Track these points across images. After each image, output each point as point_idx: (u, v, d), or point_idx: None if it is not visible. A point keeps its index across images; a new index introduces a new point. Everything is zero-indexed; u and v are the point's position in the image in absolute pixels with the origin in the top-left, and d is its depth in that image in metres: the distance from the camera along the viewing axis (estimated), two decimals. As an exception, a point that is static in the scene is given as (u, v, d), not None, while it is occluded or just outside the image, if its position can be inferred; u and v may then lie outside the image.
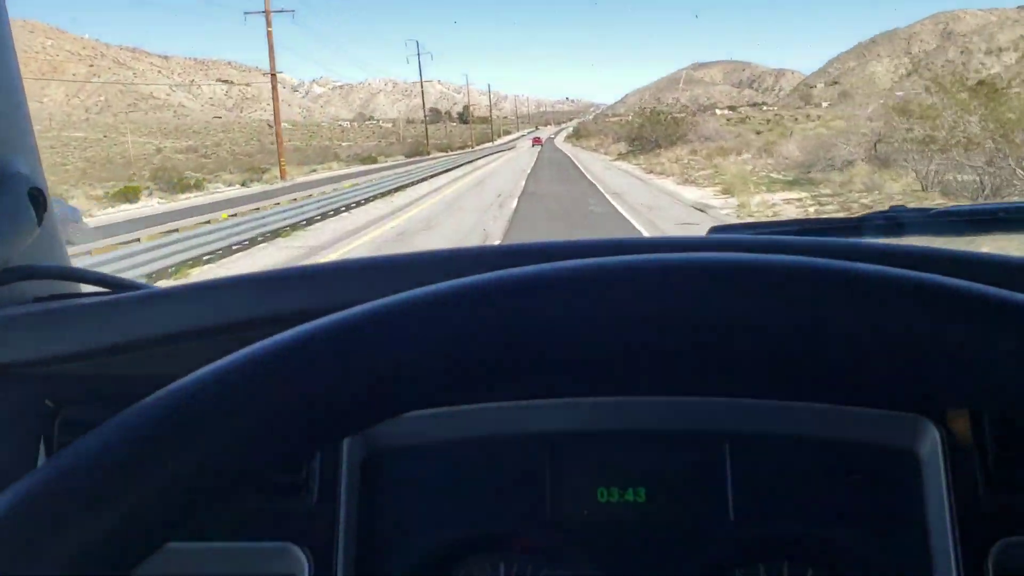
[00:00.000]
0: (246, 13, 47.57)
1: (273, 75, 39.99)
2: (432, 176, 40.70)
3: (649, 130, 44.12)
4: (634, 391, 0.73)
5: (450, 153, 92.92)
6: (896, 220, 1.14)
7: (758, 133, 49.46)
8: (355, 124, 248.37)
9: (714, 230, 1.15)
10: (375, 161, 69.30)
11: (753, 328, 0.35)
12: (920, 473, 0.72)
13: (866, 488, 0.72)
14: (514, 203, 21.29)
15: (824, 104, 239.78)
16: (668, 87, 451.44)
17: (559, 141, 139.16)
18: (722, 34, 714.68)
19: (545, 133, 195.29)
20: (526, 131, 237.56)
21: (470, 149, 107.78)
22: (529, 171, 40.12)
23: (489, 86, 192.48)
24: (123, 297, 0.81)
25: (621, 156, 48.06)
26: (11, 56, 0.89)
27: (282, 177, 41.13)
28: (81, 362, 0.78)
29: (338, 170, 57.06)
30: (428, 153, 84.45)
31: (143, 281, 0.99)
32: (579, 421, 0.75)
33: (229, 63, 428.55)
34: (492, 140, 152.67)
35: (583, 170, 37.33)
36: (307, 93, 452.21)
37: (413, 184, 35.15)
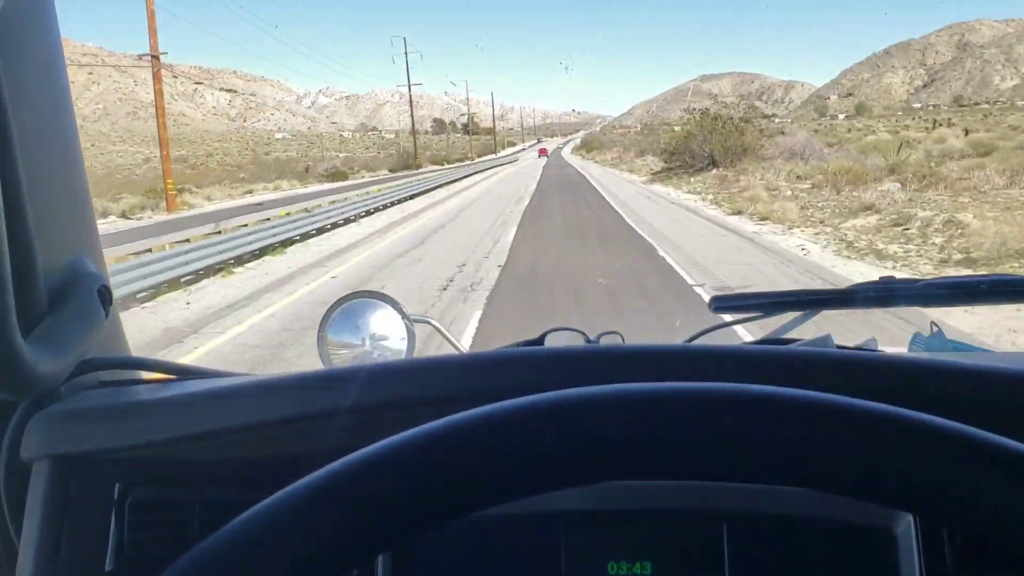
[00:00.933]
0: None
1: (155, 57, 27.26)
2: (400, 201, 28.67)
3: (700, 141, 31.38)
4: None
5: (445, 166, 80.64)
6: (886, 291, 1.16)
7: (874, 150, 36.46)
8: (356, 135, 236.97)
9: (716, 300, 1.21)
10: (345, 177, 56.65)
11: (718, 447, 0.42)
12: (896, 551, 0.75)
13: (848, 563, 0.75)
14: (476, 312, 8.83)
15: (841, 116, 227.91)
16: (675, 99, 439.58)
17: (567, 153, 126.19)
18: (730, 46, 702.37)
19: (551, 145, 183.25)
20: (531, 143, 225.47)
21: (469, 162, 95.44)
22: (528, 200, 28.63)
23: (492, 95, 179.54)
24: (184, 391, 0.87)
25: (656, 176, 35.30)
26: (80, 161, 0.94)
27: (168, 208, 28.41)
28: (144, 450, 0.84)
29: (288, 190, 44.60)
30: (418, 167, 71.78)
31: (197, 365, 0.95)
32: (591, 501, 0.80)
33: (234, 72, 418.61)
34: (495, 152, 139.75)
35: (613, 204, 24.78)
36: (313, 103, 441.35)
37: (368, 214, 24.44)
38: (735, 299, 1.22)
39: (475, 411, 0.44)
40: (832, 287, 0.91)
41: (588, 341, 1.12)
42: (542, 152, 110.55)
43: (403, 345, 1.38)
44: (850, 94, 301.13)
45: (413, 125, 76.81)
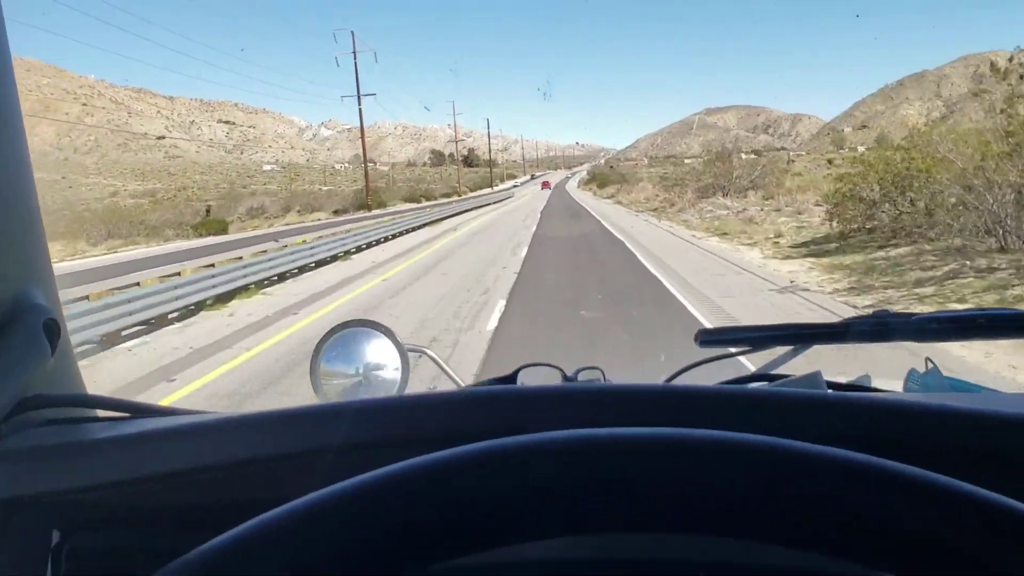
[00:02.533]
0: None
1: None
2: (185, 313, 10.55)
3: (895, 195, 13.53)
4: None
5: (423, 204, 62.57)
6: (879, 325, 1.11)
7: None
8: (350, 166, 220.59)
9: (703, 333, 1.14)
10: (225, 229, 38.26)
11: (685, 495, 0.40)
12: None
13: None
14: None
15: (860, 148, 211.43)
16: (681, 132, 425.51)
17: (573, 187, 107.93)
18: (735, 79, 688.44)
19: (555, 178, 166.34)
20: (538, 174, 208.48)
21: (457, 198, 77.28)
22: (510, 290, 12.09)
23: (488, 122, 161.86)
24: (137, 429, 0.81)
25: (850, 272, 16.40)
26: (31, 187, 0.89)
27: None
28: (90, 493, 0.77)
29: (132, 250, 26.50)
30: (380, 206, 53.44)
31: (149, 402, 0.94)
32: (571, 550, 0.78)
33: (235, 104, 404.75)
34: (491, 185, 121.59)
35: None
36: (315, 136, 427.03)
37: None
38: (722, 333, 1.16)
39: (406, 464, 0.42)
40: (825, 321, 0.77)
41: (566, 377, 1.07)
42: (545, 185, 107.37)
43: (397, 375, 1.34)
44: (864, 126, 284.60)
45: (365, 154, 58.55)
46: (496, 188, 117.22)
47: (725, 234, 20.60)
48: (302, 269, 18.27)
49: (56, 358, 0.88)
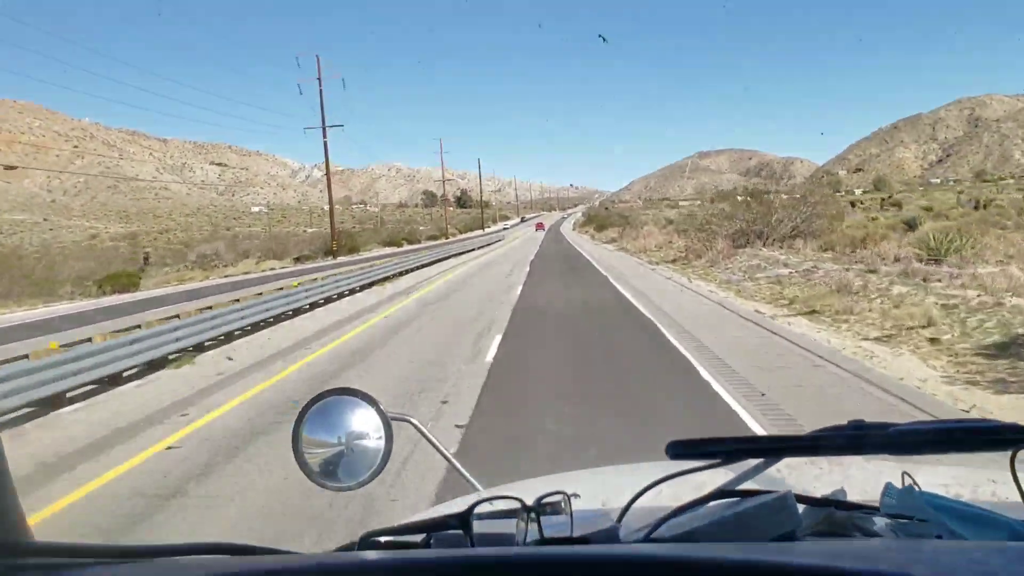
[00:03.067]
0: None
1: None
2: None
3: None
4: None
5: (403, 248, 55.85)
6: (855, 438, 1.07)
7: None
8: (339, 207, 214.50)
9: (673, 446, 1.11)
10: (135, 284, 31.26)
11: None
12: None
13: None
14: None
15: (858, 191, 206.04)
16: (674, 175, 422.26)
17: (568, 230, 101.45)
18: (727, 122, 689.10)
19: (550, 219, 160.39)
20: (529, 216, 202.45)
21: (444, 240, 70.67)
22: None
23: (479, 162, 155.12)
24: None
25: None
26: None
27: None
28: None
29: None
30: (351, 251, 46.57)
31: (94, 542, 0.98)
32: None
33: (229, 147, 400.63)
34: (483, 227, 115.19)
35: None
36: (307, 177, 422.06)
37: None
38: (694, 445, 1.14)
39: None
40: (803, 433, 0.74)
41: (525, 506, 1.02)
42: (539, 227, 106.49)
43: (380, 444, 1.30)
44: (859, 169, 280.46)
45: (330, 194, 51.92)
46: (488, 230, 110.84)
47: (813, 312, 13.53)
48: (153, 365, 11.43)
49: None
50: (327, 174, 56.32)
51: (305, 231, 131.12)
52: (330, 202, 48.72)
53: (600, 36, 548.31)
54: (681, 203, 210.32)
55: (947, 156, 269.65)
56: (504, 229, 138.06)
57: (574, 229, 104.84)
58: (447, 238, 76.55)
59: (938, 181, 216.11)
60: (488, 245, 62.95)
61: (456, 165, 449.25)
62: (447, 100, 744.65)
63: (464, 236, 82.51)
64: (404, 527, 1.01)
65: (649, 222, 60.15)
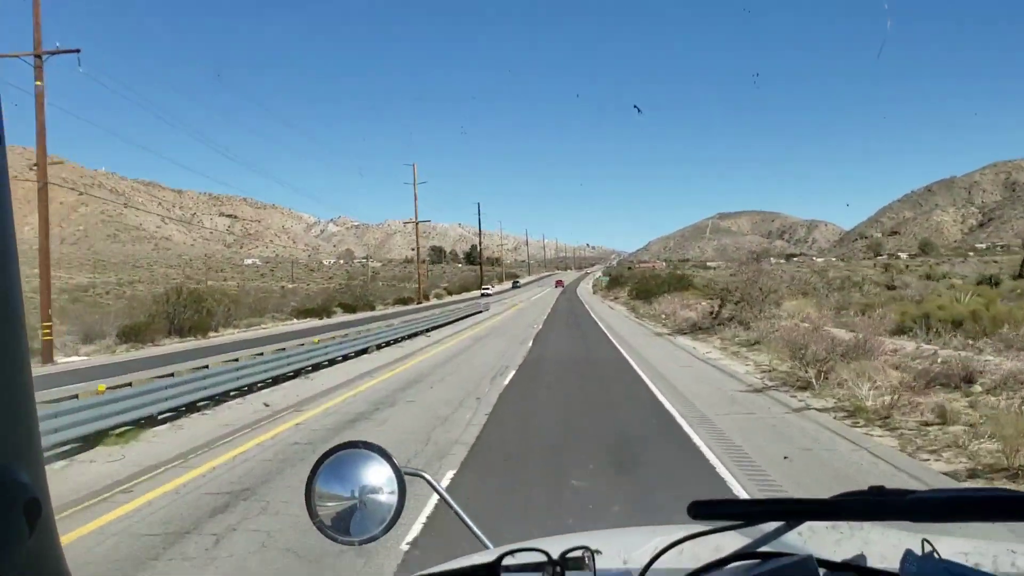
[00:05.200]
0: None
1: None
2: None
3: None
4: None
5: (328, 320, 34.46)
6: (875, 504, 1.05)
7: None
8: (339, 262, 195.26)
9: (695, 506, 1.07)
10: None
11: None
12: None
13: None
14: None
15: (903, 255, 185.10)
16: (694, 236, 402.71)
17: (587, 294, 79.52)
18: (748, 184, 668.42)
19: (566, 278, 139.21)
20: (540, 275, 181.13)
21: (414, 306, 49.33)
22: None
23: (480, 213, 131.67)
24: None
25: None
26: (24, 360, 0.81)
27: None
28: None
29: None
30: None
31: None
32: None
33: (244, 199, 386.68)
34: (481, 286, 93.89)
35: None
36: (322, 232, 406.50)
37: None
38: (715, 506, 1.11)
39: None
40: (820, 498, 0.93)
41: (550, 560, 1.00)
42: (559, 284, 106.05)
43: (393, 499, 1.28)
44: (895, 232, 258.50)
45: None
46: (489, 291, 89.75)
47: None
48: None
49: (38, 539, 0.81)
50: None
51: (285, 286, 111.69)
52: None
53: (635, 107, 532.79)
54: (710, 265, 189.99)
55: (988, 220, 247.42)
56: (526, 284, 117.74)
57: (595, 293, 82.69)
58: (419, 303, 55.66)
59: (984, 247, 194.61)
60: (469, 317, 41.74)
61: (471, 221, 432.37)
62: (468, 159, 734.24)
63: (449, 300, 61.42)
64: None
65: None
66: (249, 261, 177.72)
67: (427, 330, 31.60)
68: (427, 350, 24.73)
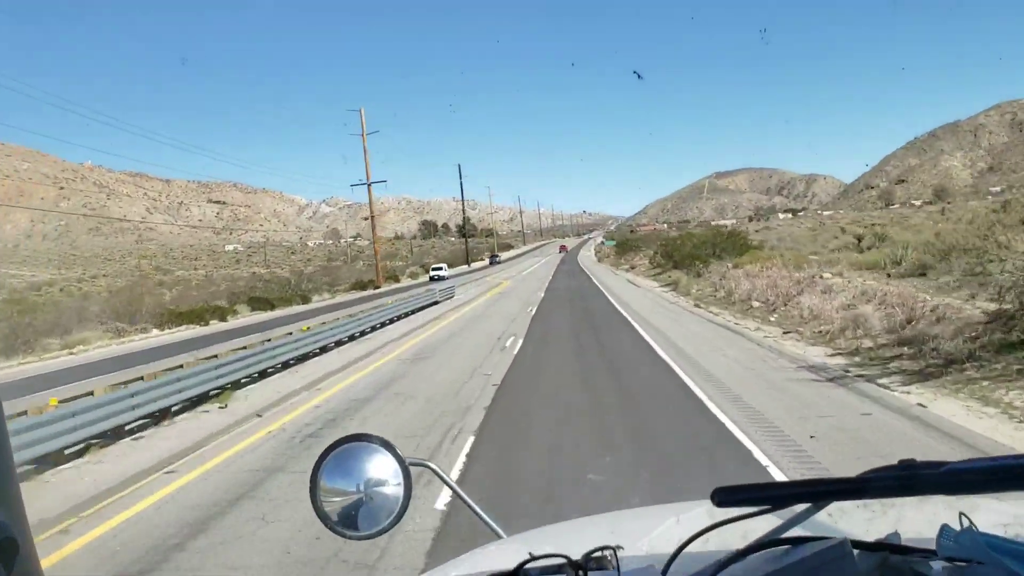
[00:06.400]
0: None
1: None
2: None
3: None
4: None
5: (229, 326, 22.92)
6: (906, 479, 1.00)
7: None
8: (326, 243, 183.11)
9: (719, 493, 1.04)
10: None
11: None
12: None
13: None
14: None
15: (917, 203, 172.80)
16: (691, 197, 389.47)
17: (588, 263, 67.67)
18: (744, 141, 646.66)
19: (564, 246, 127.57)
20: (537, 244, 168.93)
21: (371, 291, 37.70)
22: None
23: (461, 177, 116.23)
24: None
25: None
26: None
27: None
28: None
29: None
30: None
31: None
32: None
33: (234, 185, 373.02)
34: (468, 262, 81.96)
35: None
36: (315, 213, 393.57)
37: None
38: (739, 491, 1.07)
39: None
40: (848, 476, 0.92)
41: (571, 563, 0.97)
42: (562, 248, 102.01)
43: (400, 491, 1.25)
44: (902, 180, 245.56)
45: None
46: (475, 266, 77.76)
47: None
48: None
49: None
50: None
51: (257, 272, 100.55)
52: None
53: (636, 73, 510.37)
54: (724, 222, 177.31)
55: (1000, 164, 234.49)
56: (520, 255, 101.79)
57: (600, 262, 70.55)
58: (380, 286, 44.15)
59: (998, 189, 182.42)
60: (423, 310, 29.75)
61: (470, 194, 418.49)
62: (460, 129, 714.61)
63: (411, 284, 49.52)
64: None
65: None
66: (230, 247, 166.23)
67: (406, 316, 19.85)
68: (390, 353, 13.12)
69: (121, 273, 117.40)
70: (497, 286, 43.77)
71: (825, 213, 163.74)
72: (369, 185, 53.46)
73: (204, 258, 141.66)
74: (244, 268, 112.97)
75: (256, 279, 64.61)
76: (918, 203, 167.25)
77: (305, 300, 41.69)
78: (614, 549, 1.01)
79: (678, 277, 33.10)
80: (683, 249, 38.74)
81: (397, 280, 57.61)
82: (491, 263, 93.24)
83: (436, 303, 32.49)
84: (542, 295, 33.67)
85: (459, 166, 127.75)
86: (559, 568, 0.96)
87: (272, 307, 36.18)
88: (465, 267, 77.10)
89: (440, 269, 63.87)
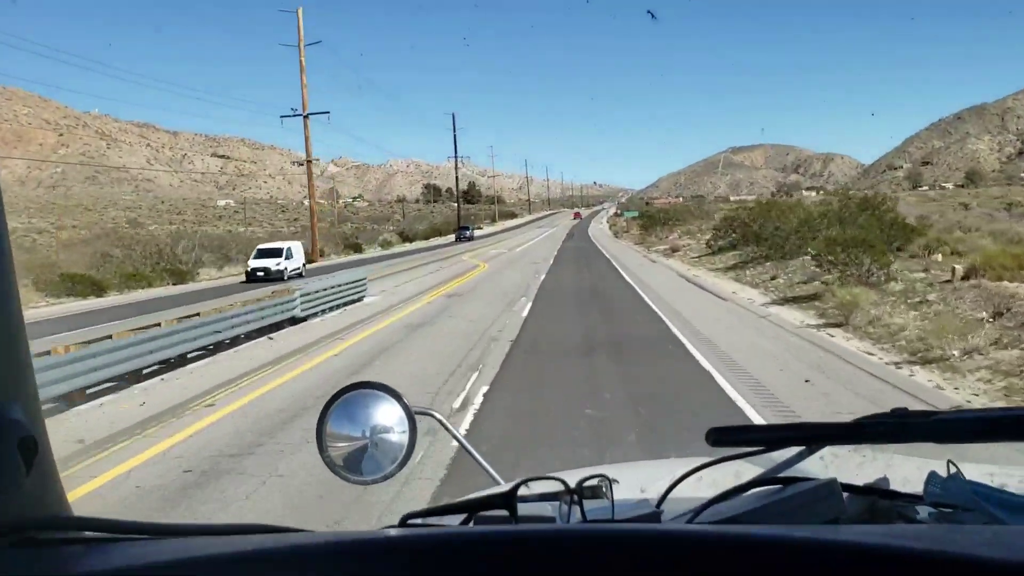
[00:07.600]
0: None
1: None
2: None
3: None
4: None
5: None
6: (897, 426, 1.01)
7: None
8: (322, 201, 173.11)
9: (714, 432, 1.03)
10: None
11: None
12: None
13: None
14: None
15: (949, 186, 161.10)
16: (705, 171, 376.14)
17: (605, 240, 55.92)
18: (762, 117, 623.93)
19: (567, 220, 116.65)
20: (543, 214, 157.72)
21: (316, 264, 26.61)
22: None
23: (455, 128, 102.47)
24: (119, 561, 0.70)
25: None
26: (13, 297, 0.79)
27: None
28: None
29: None
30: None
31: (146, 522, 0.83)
32: None
33: (242, 140, 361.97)
34: (457, 232, 70.67)
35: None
36: (322, 173, 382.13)
37: None
38: (734, 432, 1.06)
39: None
40: (841, 421, 1.03)
41: (567, 488, 0.96)
42: (576, 216, 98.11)
43: (404, 438, 1.26)
44: (927, 162, 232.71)
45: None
46: (437, 242, 66.11)
47: None
48: None
49: (36, 477, 0.78)
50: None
51: (243, 230, 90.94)
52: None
53: (649, 12, 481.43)
54: (743, 198, 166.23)
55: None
56: (523, 225, 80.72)
57: (619, 237, 59.09)
58: (316, 259, 33.51)
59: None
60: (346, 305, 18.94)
61: (481, 160, 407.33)
62: (467, 90, 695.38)
63: (403, 250, 38.92)
64: (446, 507, 0.97)
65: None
66: (223, 203, 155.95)
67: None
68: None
69: (101, 223, 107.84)
70: (448, 284, 25.74)
71: (872, 193, 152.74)
72: (306, 117, 40.47)
73: (190, 212, 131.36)
74: (223, 225, 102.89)
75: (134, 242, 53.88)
76: (948, 186, 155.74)
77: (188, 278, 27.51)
78: (609, 480, 1.00)
79: (843, 295, 14.84)
80: (762, 230, 24.54)
81: (359, 250, 47.01)
82: (458, 239, 65.34)
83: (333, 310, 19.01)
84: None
85: (453, 115, 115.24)
86: (554, 495, 0.97)
87: (147, 283, 25.30)
88: (422, 243, 62.48)
89: (515, 218, 43.15)
